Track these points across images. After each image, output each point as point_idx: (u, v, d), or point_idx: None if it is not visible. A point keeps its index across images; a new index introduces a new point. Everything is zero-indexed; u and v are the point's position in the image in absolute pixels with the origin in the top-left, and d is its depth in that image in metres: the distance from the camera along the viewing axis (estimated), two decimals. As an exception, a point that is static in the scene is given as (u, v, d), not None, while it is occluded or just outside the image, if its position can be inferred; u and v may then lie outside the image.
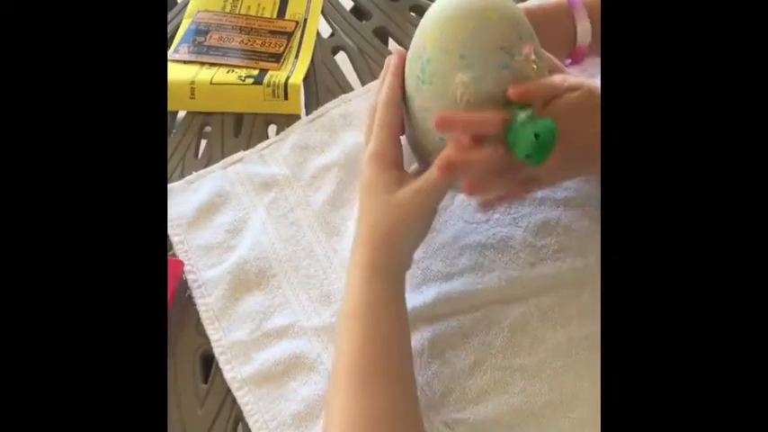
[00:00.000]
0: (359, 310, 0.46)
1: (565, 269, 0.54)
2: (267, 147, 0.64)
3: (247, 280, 0.56)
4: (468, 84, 0.46)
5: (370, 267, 0.47)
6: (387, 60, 0.53)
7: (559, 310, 0.53)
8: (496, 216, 0.57)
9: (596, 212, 0.57)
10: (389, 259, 0.48)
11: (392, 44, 0.74)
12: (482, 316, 0.53)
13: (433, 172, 0.47)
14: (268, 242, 0.58)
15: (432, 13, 0.49)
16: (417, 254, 0.56)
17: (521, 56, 0.47)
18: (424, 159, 0.51)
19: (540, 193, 0.58)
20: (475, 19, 0.46)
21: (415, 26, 0.72)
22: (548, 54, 0.51)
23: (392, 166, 0.49)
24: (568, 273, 0.54)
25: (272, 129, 0.68)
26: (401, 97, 0.51)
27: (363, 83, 0.69)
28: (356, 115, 0.65)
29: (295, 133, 0.64)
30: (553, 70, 0.51)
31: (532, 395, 0.49)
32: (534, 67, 0.47)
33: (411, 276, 0.55)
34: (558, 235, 0.56)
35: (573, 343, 0.51)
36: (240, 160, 0.63)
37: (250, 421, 0.50)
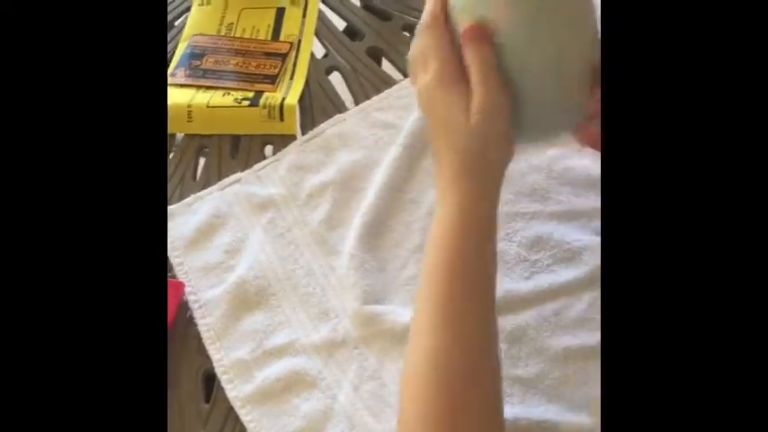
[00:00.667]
0: (449, 238, 0.44)
1: (559, 281, 0.55)
2: (264, 167, 0.65)
3: (247, 299, 0.57)
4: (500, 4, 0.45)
5: (462, 198, 0.45)
6: None
7: (555, 320, 0.54)
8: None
9: (589, 225, 0.58)
10: (485, 187, 0.46)
11: (385, 64, 0.76)
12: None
13: (476, 69, 0.45)
14: (266, 261, 0.59)
15: None
16: (411, 271, 0.57)
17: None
18: None
19: (532, 208, 0.59)
20: None
21: (408, 46, 0.74)
22: None
23: (454, 83, 0.46)
24: (562, 284, 0.55)
25: (268, 149, 0.69)
26: (445, 17, 0.48)
27: (357, 102, 0.71)
28: (351, 135, 0.66)
29: (291, 153, 0.65)
30: None
31: (532, 406, 0.50)
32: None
33: (406, 292, 0.56)
34: (551, 248, 0.57)
35: (569, 353, 0.52)
36: (237, 181, 0.64)
37: (254, 439, 0.51)
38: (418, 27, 0.49)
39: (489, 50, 0.45)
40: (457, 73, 0.46)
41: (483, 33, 0.46)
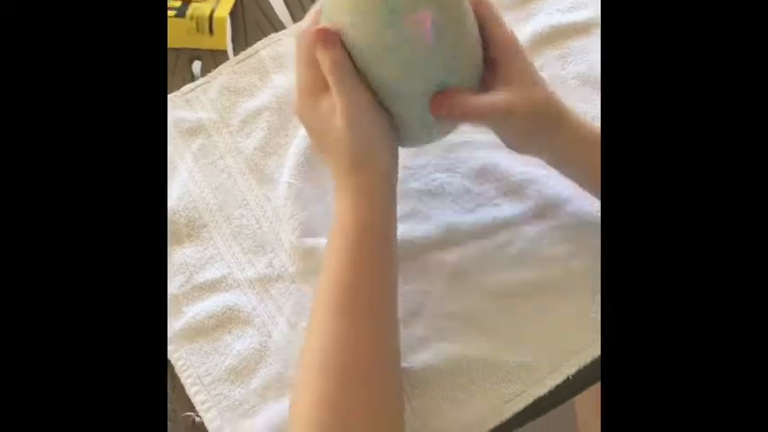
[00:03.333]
0: (348, 231, 0.45)
1: (502, 216, 0.54)
2: (193, 90, 0.60)
3: (176, 231, 0.54)
4: (352, 25, 0.44)
5: (344, 211, 0.46)
6: None
7: (497, 255, 0.52)
8: (434, 162, 0.56)
9: (533, 157, 0.56)
10: (363, 194, 0.46)
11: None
12: (420, 263, 0.52)
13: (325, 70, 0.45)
14: (197, 191, 0.55)
15: None
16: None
17: (409, 19, 0.43)
18: None
19: (478, 137, 0.57)
20: None
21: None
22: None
23: (318, 95, 0.46)
24: (506, 219, 0.54)
25: (196, 66, 0.64)
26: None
27: (294, 17, 0.66)
28: (287, 56, 0.62)
29: (222, 75, 0.61)
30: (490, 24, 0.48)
31: (471, 341, 0.49)
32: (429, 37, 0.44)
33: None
34: (496, 180, 0.55)
35: (509, 288, 0.51)
36: (164, 104, 0.59)
37: (182, 377, 0.49)
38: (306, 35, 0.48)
39: (338, 52, 0.45)
40: (318, 81, 0.46)
41: (329, 35, 0.45)
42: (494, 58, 0.47)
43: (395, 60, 0.44)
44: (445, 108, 0.46)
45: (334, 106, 0.45)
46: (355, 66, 0.45)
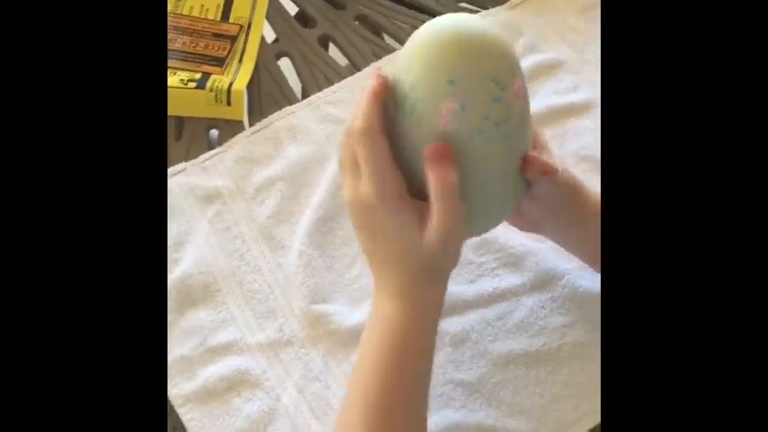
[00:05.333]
0: (396, 346, 0.44)
1: (502, 286, 0.56)
2: (210, 158, 0.63)
3: (191, 294, 0.56)
4: (455, 112, 0.43)
5: (410, 310, 0.44)
6: (365, 84, 0.46)
7: (498, 325, 0.55)
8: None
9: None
10: (432, 301, 0.46)
11: (334, 50, 0.75)
12: (424, 332, 0.54)
13: (438, 204, 0.43)
14: (212, 256, 0.58)
15: (421, 33, 0.44)
16: (358, 270, 0.57)
17: (512, 90, 0.44)
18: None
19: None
20: (469, 44, 0.43)
21: (361, 36, 0.73)
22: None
23: (403, 197, 0.44)
24: (506, 289, 0.56)
25: (213, 133, 0.67)
26: (383, 126, 0.45)
27: (306, 91, 0.69)
28: (300, 128, 0.65)
29: (238, 145, 0.64)
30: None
31: (474, 409, 0.51)
32: (523, 102, 0.45)
33: (353, 291, 0.57)
34: (496, 252, 0.58)
35: (511, 357, 0.53)
36: (182, 171, 0.62)
37: (195, 438, 0.50)
38: (346, 129, 0.45)
39: (454, 174, 0.43)
40: (398, 187, 0.44)
41: (448, 154, 0.43)
42: None
43: (501, 136, 0.44)
44: (539, 167, 0.46)
45: (422, 218, 0.44)
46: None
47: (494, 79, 0.43)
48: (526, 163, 0.46)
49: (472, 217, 0.47)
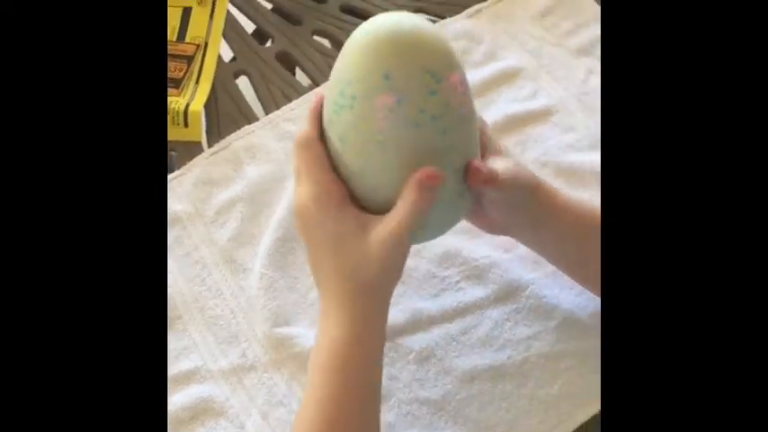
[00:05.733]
0: (338, 367, 0.44)
1: (466, 300, 0.56)
2: (169, 182, 0.62)
3: (152, 323, 0.55)
4: (391, 106, 0.43)
5: (350, 325, 0.44)
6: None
7: (462, 340, 0.55)
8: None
9: (494, 241, 0.59)
10: (374, 315, 0.45)
11: (296, 71, 0.74)
12: (387, 350, 0.54)
13: (408, 202, 0.43)
14: (172, 282, 0.57)
15: (356, 34, 0.45)
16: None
17: (448, 83, 0.44)
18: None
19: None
20: (402, 39, 0.43)
21: (319, 51, 0.73)
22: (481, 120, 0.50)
23: (342, 206, 0.44)
24: (469, 303, 0.56)
25: (171, 157, 0.66)
26: (319, 136, 0.46)
27: (266, 109, 0.69)
28: (260, 147, 0.64)
29: (197, 167, 0.63)
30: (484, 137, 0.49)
31: (438, 429, 0.51)
32: (462, 97, 0.45)
33: (315, 311, 0.56)
34: (459, 265, 0.58)
35: (476, 372, 0.53)
36: (140, 197, 0.62)
37: (159, 470, 0.50)
38: (294, 144, 0.47)
39: (433, 197, 0.44)
40: (337, 195, 0.44)
41: (436, 180, 0.43)
42: None
43: (439, 131, 0.44)
44: (483, 176, 0.45)
45: (365, 227, 0.44)
46: (365, 161, 0.44)
47: (428, 71, 0.43)
48: (469, 171, 0.46)
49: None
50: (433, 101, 0.44)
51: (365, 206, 0.46)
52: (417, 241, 0.50)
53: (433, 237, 0.49)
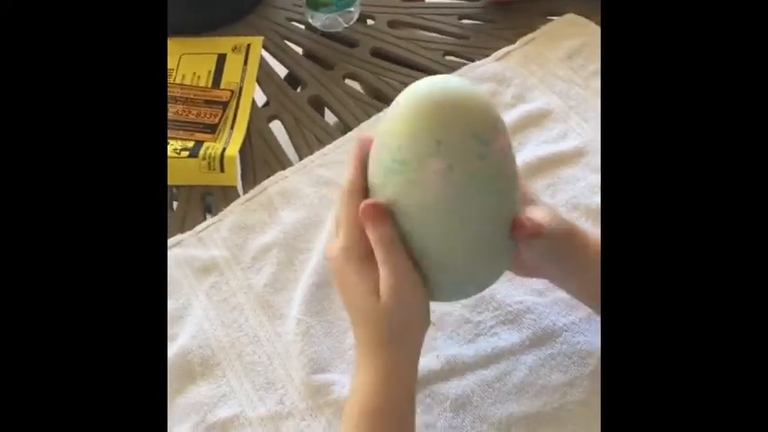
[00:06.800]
0: (369, 410, 0.45)
1: (501, 345, 0.56)
2: (205, 228, 0.64)
3: (191, 370, 0.56)
4: (442, 172, 0.44)
5: (373, 378, 0.45)
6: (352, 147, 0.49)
7: (498, 386, 0.55)
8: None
9: (529, 285, 0.59)
10: (399, 364, 0.46)
11: (327, 113, 0.75)
12: (423, 396, 0.54)
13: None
14: (210, 329, 0.58)
15: (405, 96, 0.46)
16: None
17: (496, 146, 0.45)
18: None
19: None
20: (450, 104, 0.45)
21: (350, 95, 0.74)
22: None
23: (361, 260, 0.46)
24: (504, 348, 0.56)
25: (208, 199, 0.68)
26: (363, 187, 0.48)
27: (299, 153, 0.70)
28: (293, 192, 0.66)
29: (233, 213, 0.65)
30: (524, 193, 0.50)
31: (476, 476, 0.51)
32: (508, 158, 0.47)
33: (351, 356, 0.56)
34: (494, 310, 0.58)
35: (512, 420, 0.53)
36: (178, 244, 0.63)
37: None
38: (341, 191, 0.48)
39: (387, 229, 0.45)
40: (364, 249, 0.46)
41: (379, 212, 0.46)
42: None
43: (489, 193, 0.46)
44: (528, 230, 0.47)
45: (380, 279, 0.45)
46: (416, 225, 0.46)
47: (477, 136, 0.45)
48: (516, 227, 0.47)
49: (462, 278, 0.48)
50: (482, 165, 0.45)
51: (420, 267, 0.47)
52: (469, 295, 0.52)
53: (481, 290, 0.51)
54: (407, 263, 0.46)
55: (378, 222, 0.46)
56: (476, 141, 0.45)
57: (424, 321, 0.48)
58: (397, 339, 0.46)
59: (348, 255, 0.46)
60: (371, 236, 0.46)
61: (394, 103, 0.47)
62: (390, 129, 0.46)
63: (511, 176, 0.48)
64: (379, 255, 0.45)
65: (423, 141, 0.45)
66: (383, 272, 0.45)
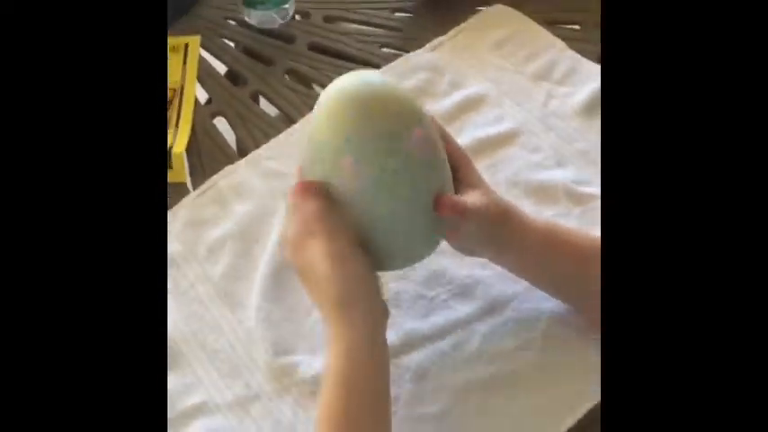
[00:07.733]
0: (341, 368, 0.47)
1: (455, 316, 0.59)
2: (159, 224, 0.64)
3: (155, 362, 0.57)
4: (353, 166, 0.48)
5: (340, 338, 0.48)
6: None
7: (455, 355, 0.57)
8: (388, 273, 0.61)
9: (476, 260, 0.62)
10: (359, 326, 0.48)
11: (270, 108, 0.77)
12: (386, 370, 0.56)
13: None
14: (171, 321, 0.59)
15: (325, 94, 0.51)
16: (316, 316, 0.59)
17: (410, 141, 0.49)
18: None
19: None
20: (363, 102, 0.49)
21: (292, 90, 0.76)
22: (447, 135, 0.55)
23: (306, 239, 0.50)
24: (458, 319, 0.59)
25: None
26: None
27: (245, 147, 0.71)
28: (243, 185, 0.67)
29: (185, 208, 0.65)
30: (457, 158, 0.54)
31: (440, 441, 0.53)
32: (426, 147, 0.50)
33: (314, 338, 0.58)
34: (446, 284, 0.61)
35: (470, 386, 0.56)
36: (133, 241, 0.63)
37: (173, 505, 0.51)
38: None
39: (314, 204, 0.50)
40: (302, 229, 0.50)
41: (309, 189, 0.50)
42: (452, 168, 0.53)
43: (403, 181, 0.49)
44: (449, 208, 0.50)
45: (318, 249, 0.49)
46: (345, 208, 0.50)
47: (388, 134, 0.49)
48: (437, 206, 0.51)
49: (391, 255, 0.53)
50: (392, 159, 0.49)
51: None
52: (388, 269, 0.55)
53: (403, 266, 0.55)
54: (342, 232, 0.49)
55: (308, 198, 0.50)
56: (385, 137, 0.49)
57: (368, 285, 0.50)
58: (347, 301, 0.48)
59: (291, 241, 0.51)
60: (306, 212, 0.49)
61: (318, 99, 0.51)
62: (314, 124, 0.51)
63: (432, 162, 0.51)
64: (314, 227, 0.49)
65: (335, 138, 0.49)
66: (319, 242, 0.49)
